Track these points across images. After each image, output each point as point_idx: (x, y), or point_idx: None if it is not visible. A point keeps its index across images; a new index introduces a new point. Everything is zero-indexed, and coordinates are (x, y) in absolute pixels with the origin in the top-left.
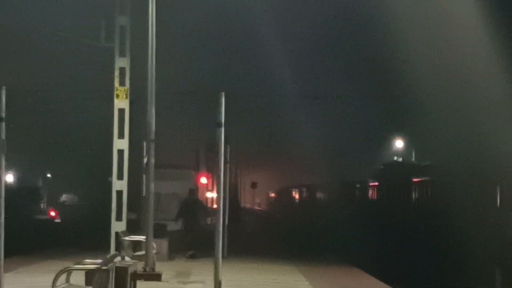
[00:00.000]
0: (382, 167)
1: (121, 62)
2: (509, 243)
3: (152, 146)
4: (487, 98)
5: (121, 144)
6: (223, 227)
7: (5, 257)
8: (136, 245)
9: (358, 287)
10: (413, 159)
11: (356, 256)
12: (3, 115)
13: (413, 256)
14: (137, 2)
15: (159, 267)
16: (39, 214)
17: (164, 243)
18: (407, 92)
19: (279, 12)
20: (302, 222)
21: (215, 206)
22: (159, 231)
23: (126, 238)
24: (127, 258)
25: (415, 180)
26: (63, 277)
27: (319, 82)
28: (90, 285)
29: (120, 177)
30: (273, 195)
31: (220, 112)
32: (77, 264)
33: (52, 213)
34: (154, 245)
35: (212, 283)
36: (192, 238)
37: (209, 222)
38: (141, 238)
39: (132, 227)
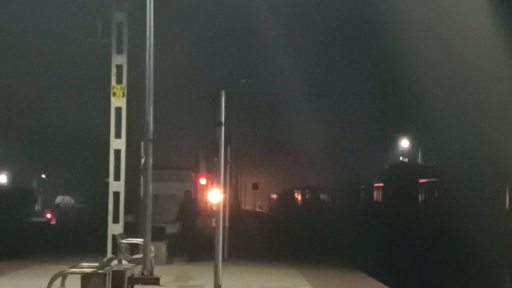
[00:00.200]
0: (388, 168)
1: (118, 59)
2: None
3: (150, 146)
4: (496, 98)
5: (118, 144)
6: (223, 230)
7: (0, 260)
8: (133, 248)
9: None
10: (419, 160)
11: (360, 259)
12: None
13: (420, 259)
14: None
15: (157, 271)
16: (34, 216)
17: (163, 246)
18: (414, 91)
19: (285, 10)
20: (305, 224)
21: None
22: (157, 234)
23: (123, 241)
24: (124, 262)
25: (421, 181)
26: (58, 281)
27: (323, 80)
28: None
29: (117, 178)
30: (274, 196)
31: (221, 111)
32: (73, 267)
33: (48, 216)
34: (152, 248)
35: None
36: (188, 241)
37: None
38: (139, 241)
39: (130, 230)
